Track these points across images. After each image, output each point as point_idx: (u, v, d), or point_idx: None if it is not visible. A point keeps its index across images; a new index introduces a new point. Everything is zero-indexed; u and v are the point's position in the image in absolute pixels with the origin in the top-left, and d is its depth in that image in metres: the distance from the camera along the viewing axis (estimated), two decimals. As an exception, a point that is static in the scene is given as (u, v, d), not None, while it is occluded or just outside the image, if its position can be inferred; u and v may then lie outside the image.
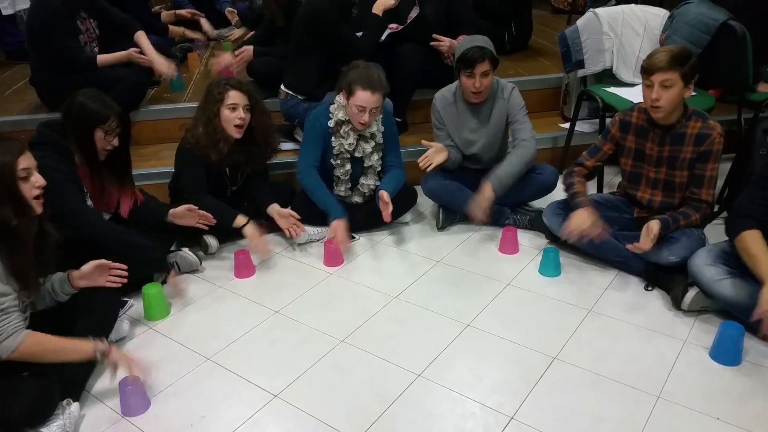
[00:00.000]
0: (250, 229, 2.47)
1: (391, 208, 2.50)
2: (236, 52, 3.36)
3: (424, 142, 2.65)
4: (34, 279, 1.76)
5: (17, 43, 4.20)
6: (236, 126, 2.45)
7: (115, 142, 2.20)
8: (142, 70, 3.16)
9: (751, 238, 1.89)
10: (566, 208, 2.45)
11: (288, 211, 2.57)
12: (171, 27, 3.91)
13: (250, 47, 3.35)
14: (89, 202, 2.22)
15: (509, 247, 2.57)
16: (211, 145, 2.46)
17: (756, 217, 1.93)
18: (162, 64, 3.11)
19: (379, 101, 2.46)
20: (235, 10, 4.54)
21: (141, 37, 3.14)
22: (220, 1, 4.63)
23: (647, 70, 2.12)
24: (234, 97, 2.43)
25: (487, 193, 2.51)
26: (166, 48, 3.85)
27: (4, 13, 3.99)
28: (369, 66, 2.49)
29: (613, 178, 3.08)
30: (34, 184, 1.68)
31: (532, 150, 2.59)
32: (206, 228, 2.45)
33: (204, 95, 2.52)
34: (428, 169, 2.58)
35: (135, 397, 1.79)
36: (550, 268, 2.39)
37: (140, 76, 3.14)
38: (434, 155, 2.59)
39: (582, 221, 2.25)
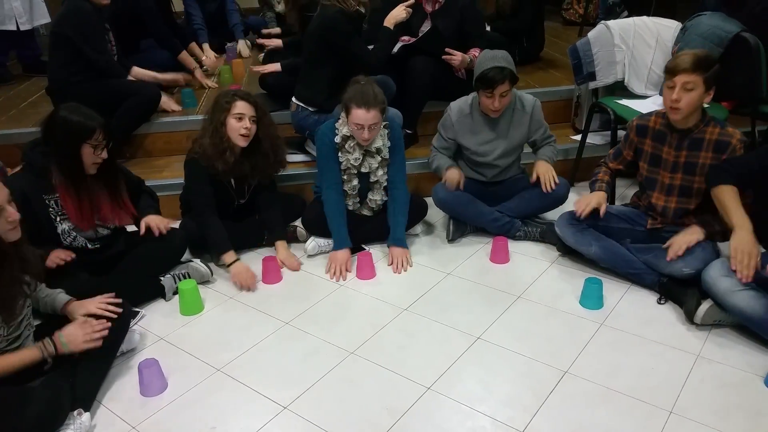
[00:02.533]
0: (236, 269, 2.46)
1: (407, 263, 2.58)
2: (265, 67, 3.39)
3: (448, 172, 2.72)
4: (15, 303, 1.72)
5: (35, 56, 4.28)
6: (242, 135, 2.46)
7: (104, 155, 2.12)
8: (155, 83, 3.22)
9: (726, 191, 2.06)
10: (578, 218, 2.44)
11: (292, 261, 2.59)
12: (184, 54, 3.89)
13: (277, 64, 3.35)
14: (63, 227, 2.18)
15: (501, 257, 2.58)
16: (218, 154, 2.47)
17: (734, 174, 2.07)
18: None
19: (375, 117, 2.44)
20: (272, 31, 4.55)
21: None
22: (232, 21, 4.67)
23: (671, 70, 2.13)
24: (241, 107, 2.45)
25: (542, 167, 2.66)
26: (175, 65, 3.90)
27: (22, 28, 4.05)
28: (367, 82, 2.48)
29: (625, 191, 3.06)
30: (7, 219, 1.62)
31: (556, 152, 2.76)
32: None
33: (212, 105, 2.55)
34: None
35: (153, 377, 1.86)
36: (594, 300, 2.24)
37: (153, 88, 3.18)
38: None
39: (590, 200, 2.37)
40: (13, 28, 4.02)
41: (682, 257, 2.19)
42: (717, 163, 2.16)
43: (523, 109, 2.65)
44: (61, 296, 1.97)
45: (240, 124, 2.46)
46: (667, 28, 3.04)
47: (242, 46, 4.51)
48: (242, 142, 2.49)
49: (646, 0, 4.19)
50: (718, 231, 2.20)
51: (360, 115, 2.42)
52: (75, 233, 2.21)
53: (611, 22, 3.05)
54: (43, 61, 4.20)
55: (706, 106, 2.23)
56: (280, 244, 2.65)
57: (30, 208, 2.06)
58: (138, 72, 3.21)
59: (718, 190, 2.08)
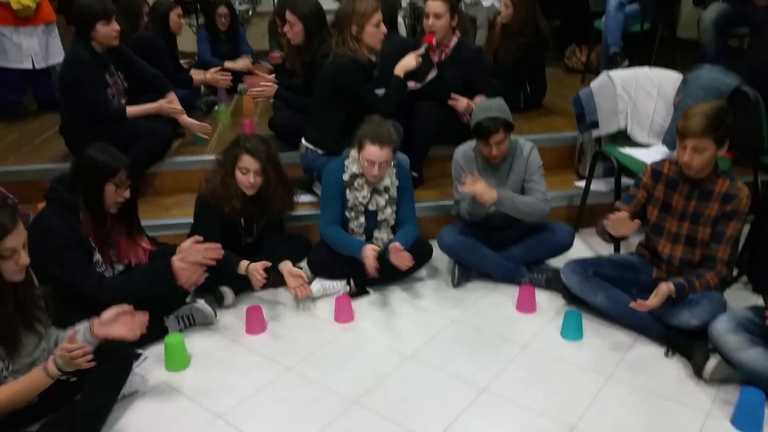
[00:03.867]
0: (252, 266, 2.45)
1: (406, 254, 2.48)
2: (261, 83, 3.36)
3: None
4: (16, 338, 1.73)
5: (50, 93, 4.36)
6: (247, 187, 2.53)
7: (127, 194, 2.21)
8: (167, 121, 3.26)
9: None
10: (584, 266, 2.44)
11: (299, 271, 2.58)
12: (195, 76, 3.98)
13: (275, 86, 3.35)
14: (97, 257, 2.22)
15: (527, 305, 2.55)
16: (226, 198, 2.54)
17: None
18: (194, 125, 3.24)
19: (388, 155, 2.51)
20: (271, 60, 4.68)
21: (172, 96, 3.28)
22: (242, 50, 4.80)
23: (682, 132, 2.15)
24: (246, 161, 2.51)
25: (489, 193, 2.48)
26: (192, 101, 3.98)
27: (38, 66, 4.14)
28: (381, 121, 2.56)
29: (630, 239, 3.07)
30: (17, 262, 1.65)
31: (544, 207, 2.62)
32: (214, 263, 2.32)
33: (224, 150, 2.61)
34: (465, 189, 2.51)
35: None
36: (572, 330, 2.35)
37: (165, 128, 3.22)
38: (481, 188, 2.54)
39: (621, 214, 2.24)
40: (29, 66, 4.10)
41: (689, 308, 2.18)
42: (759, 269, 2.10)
43: (522, 155, 2.69)
44: (83, 324, 1.94)
45: (245, 177, 2.52)
46: (669, 79, 3.10)
47: (243, 61, 4.61)
48: (248, 192, 2.56)
49: (647, 50, 4.28)
50: (690, 290, 2.16)
51: (373, 151, 2.47)
52: (102, 267, 2.25)
53: (613, 73, 3.12)
54: (58, 99, 4.30)
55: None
56: (285, 264, 2.59)
57: (78, 237, 2.14)
58: (132, 111, 3.14)
59: None
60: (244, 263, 2.49)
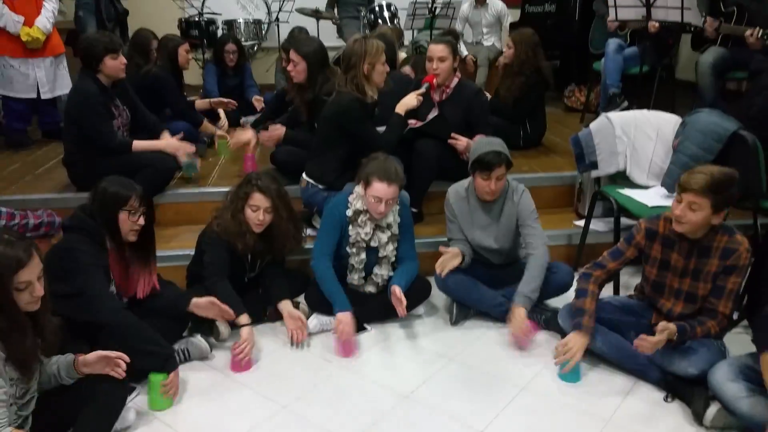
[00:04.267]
0: (246, 333, 2.44)
1: (404, 303, 2.50)
2: (269, 129, 3.46)
3: (441, 248, 2.69)
4: (34, 365, 1.76)
5: (54, 123, 4.41)
6: (256, 224, 2.56)
7: (141, 221, 2.26)
8: (169, 155, 3.29)
9: None
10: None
11: (298, 313, 2.58)
12: (205, 123, 4.06)
13: (283, 128, 3.43)
14: (113, 289, 2.26)
15: (524, 342, 2.54)
16: (239, 234, 2.56)
17: None
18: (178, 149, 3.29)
19: (395, 192, 2.53)
20: (261, 98, 4.76)
21: (165, 134, 3.39)
22: (250, 96, 4.86)
23: (682, 186, 2.11)
24: (257, 199, 2.54)
25: (520, 316, 2.48)
26: (195, 133, 4.03)
27: (44, 97, 4.19)
28: (387, 159, 2.59)
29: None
30: (32, 293, 1.67)
31: (546, 257, 2.63)
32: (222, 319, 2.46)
33: (236, 187, 2.64)
34: (443, 274, 2.60)
35: None
36: (570, 373, 2.31)
37: (167, 161, 3.26)
38: (449, 261, 2.61)
39: (573, 346, 2.23)
40: (35, 96, 4.15)
41: (687, 357, 2.16)
42: (762, 320, 2.01)
43: (513, 196, 2.71)
44: (67, 356, 1.93)
45: (255, 215, 2.54)
46: (668, 121, 3.13)
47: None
48: (256, 230, 2.58)
49: (646, 91, 4.34)
50: (691, 334, 2.15)
51: (381, 188, 2.49)
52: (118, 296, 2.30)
53: (612, 115, 3.16)
54: (62, 128, 4.35)
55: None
56: (285, 304, 2.61)
57: (102, 263, 2.20)
58: (138, 145, 3.20)
59: (764, 357, 1.89)
60: (244, 319, 2.46)
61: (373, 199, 2.53)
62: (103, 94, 3.11)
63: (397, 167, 2.57)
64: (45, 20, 4.04)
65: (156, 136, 3.36)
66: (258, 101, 4.73)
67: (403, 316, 2.55)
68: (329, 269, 2.64)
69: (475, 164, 2.60)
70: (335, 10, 5.82)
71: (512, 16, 5.75)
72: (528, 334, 2.50)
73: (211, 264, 2.56)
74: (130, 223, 2.23)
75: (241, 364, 2.39)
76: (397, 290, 2.50)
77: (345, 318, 2.50)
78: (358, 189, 2.62)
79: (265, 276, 2.75)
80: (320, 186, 3.04)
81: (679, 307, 2.30)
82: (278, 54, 4.82)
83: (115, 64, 3.10)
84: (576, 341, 2.25)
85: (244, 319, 2.46)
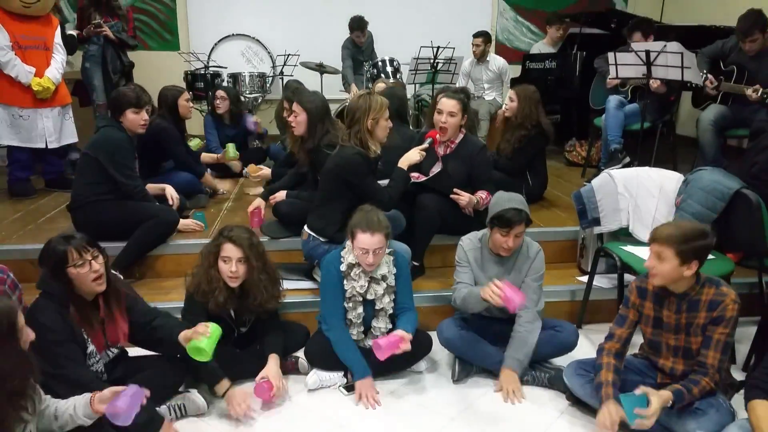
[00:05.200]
0: (230, 394, 2.39)
1: (409, 345, 2.44)
2: (270, 198, 3.58)
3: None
4: (8, 427, 1.69)
5: (58, 172, 4.45)
6: (230, 277, 2.51)
7: (96, 266, 2.11)
8: (172, 207, 3.35)
9: (758, 408, 1.92)
10: (587, 369, 2.38)
11: (283, 385, 2.52)
12: (206, 176, 4.16)
13: (284, 192, 3.53)
14: (90, 348, 2.17)
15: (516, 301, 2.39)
16: (209, 293, 2.50)
17: (762, 387, 1.95)
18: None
19: (380, 242, 2.51)
20: (260, 121, 4.97)
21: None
22: (248, 139, 4.96)
23: (650, 237, 2.17)
24: (228, 250, 2.50)
25: (512, 381, 2.55)
26: (197, 184, 4.06)
27: (50, 146, 4.22)
28: (371, 209, 2.58)
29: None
30: (23, 340, 1.68)
31: (539, 324, 2.62)
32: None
33: (207, 244, 2.62)
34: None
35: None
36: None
37: (171, 213, 3.27)
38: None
39: (606, 420, 2.14)
40: (42, 146, 4.19)
41: (695, 418, 2.10)
42: (752, 380, 2.03)
43: (527, 254, 2.69)
44: (84, 396, 1.89)
45: (227, 267, 2.50)
46: (670, 179, 3.13)
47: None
48: (232, 283, 2.53)
49: (647, 147, 4.38)
50: (690, 397, 2.11)
51: (365, 239, 2.48)
52: (97, 357, 2.20)
53: (615, 172, 3.18)
54: (66, 178, 4.38)
55: (712, 258, 2.22)
56: (273, 358, 2.55)
57: (70, 330, 2.09)
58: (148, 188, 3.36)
59: (749, 409, 1.95)
60: (222, 387, 2.41)
61: (360, 251, 2.52)
62: (129, 143, 3.23)
63: (380, 216, 2.55)
64: (55, 71, 4.14)
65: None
66: (257, 124, 4.94)
67: (407, 348, 2.46)
68: (344, 332, 2.62)
69: (494, 220, 2.55)
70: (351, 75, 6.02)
71: (513, 71, 5.89)
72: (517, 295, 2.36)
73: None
74: (81, 276, 2.09)
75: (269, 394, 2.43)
76: (406, 334, 2.46)
77: (365, 384, 2.52)
78: (349, 243, 2.62)
79: (262, 329, 2.69)
80: (321, 239, 3.03)
81: (679, 364, 2.26)
82: (279, 105, 4.92)
83: (135, 119, 3.22)
84: (612, 411, 2.14)
85: (221, 388, 2.41)
